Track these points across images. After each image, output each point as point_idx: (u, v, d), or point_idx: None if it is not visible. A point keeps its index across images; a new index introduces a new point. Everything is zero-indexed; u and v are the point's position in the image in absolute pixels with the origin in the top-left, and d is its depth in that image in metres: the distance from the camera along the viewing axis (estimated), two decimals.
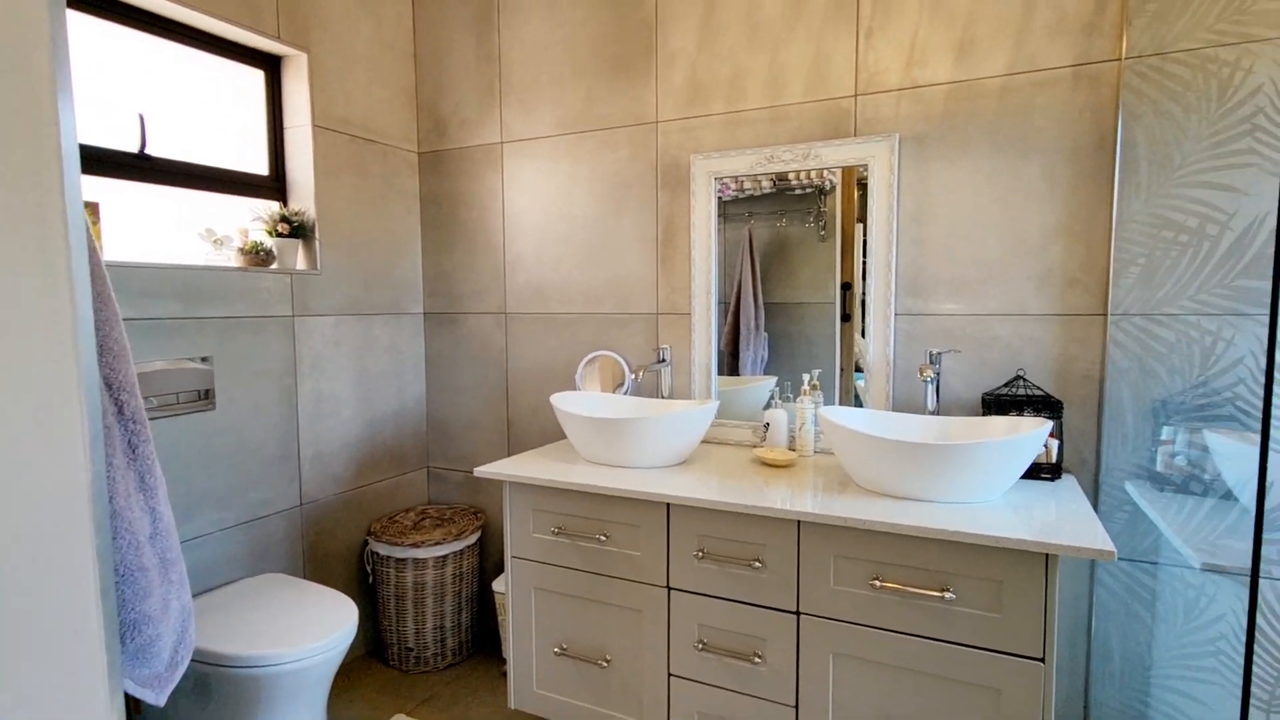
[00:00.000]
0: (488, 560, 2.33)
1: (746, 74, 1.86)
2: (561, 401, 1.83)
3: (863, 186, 1.73)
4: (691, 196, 1.92)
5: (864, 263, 1.74)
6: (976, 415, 1.65)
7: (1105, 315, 1.54)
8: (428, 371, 2.44)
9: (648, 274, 2.03)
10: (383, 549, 2.11)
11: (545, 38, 2.13)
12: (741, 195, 1.88)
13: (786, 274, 1.86)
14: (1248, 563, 1.44)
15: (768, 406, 1.85)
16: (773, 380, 1.90)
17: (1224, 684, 1.50)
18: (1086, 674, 1.62)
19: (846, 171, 1.76)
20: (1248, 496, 1.45)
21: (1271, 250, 1.40)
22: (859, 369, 1.79)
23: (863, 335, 1.77)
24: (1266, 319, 1.41)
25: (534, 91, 2.16)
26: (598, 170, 2.08)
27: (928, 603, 1.25)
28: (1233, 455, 1.46)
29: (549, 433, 2.23)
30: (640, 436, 1.62)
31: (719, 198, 1.91)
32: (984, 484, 1.33)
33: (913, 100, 1.68)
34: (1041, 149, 1.57)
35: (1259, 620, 1.46)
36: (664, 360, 1.97)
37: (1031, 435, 1.29)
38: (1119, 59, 1.49)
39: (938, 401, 1.63)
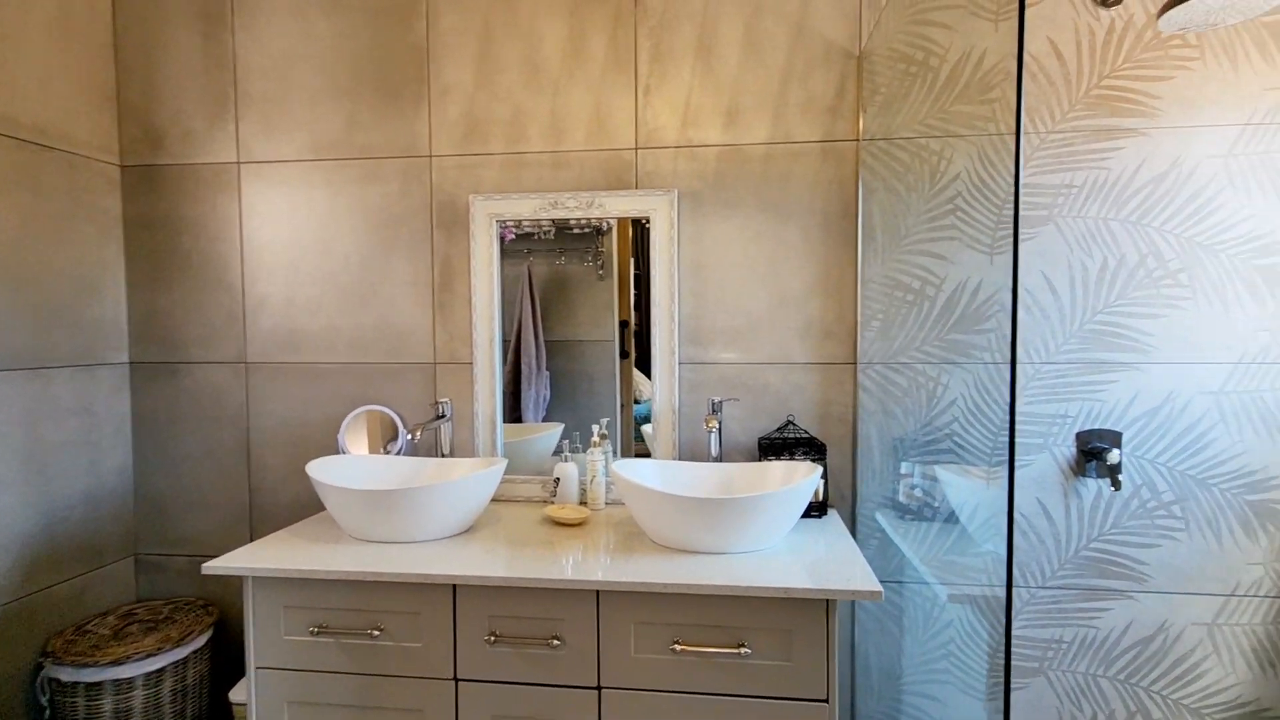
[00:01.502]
0: (223, 664, 1.92)
1: (528, 116, 1.80)
2: (321, 471, 1.57)
3: (638, 226, 1.76)
4: (471, 239, 1.79)
5: (648, 312, 1.76)
6: (754, 459, 1.75)
7: (855, 364, 1.73)
8: (136, 436, 1.96)
9: (423, 320, 1.85)
10: (66, 673, 1.62)
11: (295, 49, 1.86)
12: (521, 232, 1.81)
13: (567, 312, 1.82)
14: (967, 575, 1.69)
15: (557, 453, 1.78)
16: (559, 428, 1.83)
17: (955, 681, 1.73)
18: (853, 691, 1.77)
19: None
20: (965, 518, 1.71)
21: (972, 311, 1.67)
22: (642, 420, 1.80)
23: (648, 377, 1.79)
24: (972, 365, 1.68)
25: (281, 107, 1.88)
26: (363, 203, 1.86)
27: (726, 659, 1.26)
28: (954, 484, 1.71)
29: (305, 504, 1.91)
30: (420, 508, 1.44)
31: (501, 240, 1.81)
32: (769, 532, 1.38)
33: (689, 158, 1.75)
34: (800, 213, 1.73)
35: (974, 625, 1.71)
36: (444, 415, 1.80)
37: (807, 482, 1.38)
38: (857, 139, 1.70)
39: (720, 448, 1.69)
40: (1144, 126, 1.61)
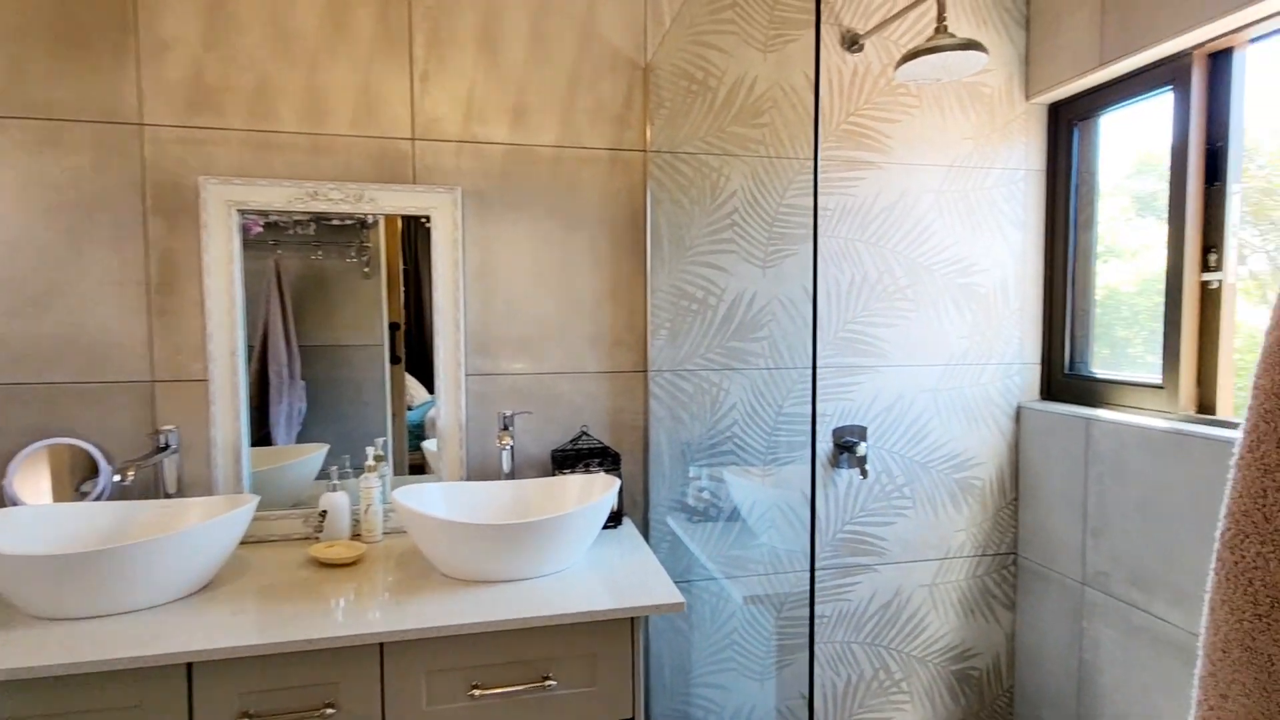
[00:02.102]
0: None
1: (277, 90, 1.53)
2: None
3: (410, 221, 1.60)
4: (204, 230, 1.47)
5: (420, 313, 1.61)
6: (548, 472, 1.68)
7: (645, 371, 1.75)
8: None
9: (135, 329, 1.49)
10: None
11: None
12: (266, 222, 1.54)
13: (326, 313, 1.59)
14: (747, 568, 1.80)
15: (322, 478, 1.55)
16: (322, 450, 1.60)
17: (738, 668, 1.85)
18: (647, 693, 1.80)
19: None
20: (745, 514, 1.82)
21: (749, 319, 1.79)
22: (420, 436, 1.64)
23: (422, 383, 1.63)
24: (750, 371, 1.80)
25: None
26: (37, 177, 1.43)
27: (530, 696, 1.18)
28: (735, 484, 1.81)
29: None
30: (134, 569, 1.14)
31: (244, 231, 1.52)
32: (569, 553, 1.33)
33: (474, 155, 1.63)
34: (589, 220, 1.70)
35: (755, 614, 1.83)
36: (167, 447, 1.46)
37: (605, 498, 1.35)
38: (644, 150, 1.71)
39: (513, 463, 1.60)
40: (880, 160, 1.85)
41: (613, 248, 1.71)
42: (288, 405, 1.59)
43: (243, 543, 1.50)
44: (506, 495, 1.52)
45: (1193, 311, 1.59)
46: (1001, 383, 1.97)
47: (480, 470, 1.66)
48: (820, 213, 1.82)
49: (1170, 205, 1.62)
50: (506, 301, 1.66)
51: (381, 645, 1.12)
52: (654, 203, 1.71)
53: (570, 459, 1.64)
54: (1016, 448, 1.99)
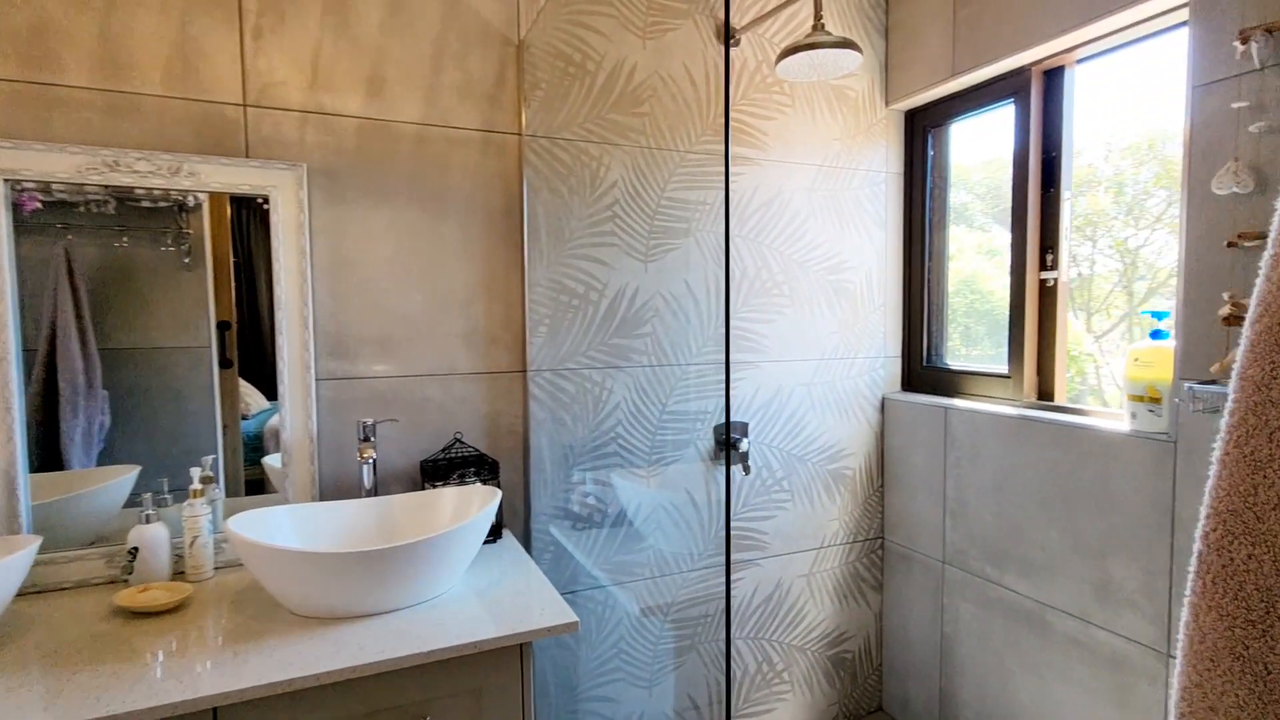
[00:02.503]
0: None
1: (61, 33, 1.24)
2: None
3: (242, 205, 1.37)
4: None
5: (256, 311, 1.39)
6: (417, 485, 1.52)
7: (524, 371, 1.63)
8: None
9: None
10: None
11: None
12: (51, 200, 1.25)
13: (136, 311, 1.33)
14: (634, 572, 1.74)
15: (132, 506, 1.29)
16: (133, 473, 1.33)
17: (626, 678, 1.78)
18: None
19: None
20: (631, 516, 1.76)
21: (631, 315, 1.72)
22: (259, 450, 1.42)
23: (258, 388, 1.41)
24: (633, 370, 1.74)
25: None
26: None
27: None
28: (620, 486, 1.74)
29: None
30: None
31: (16, 208, 1.22)
32: (446, 576, 1.19)
33: (322, 128, 1.42)
34: (460, 207, 1.55)
35: (641, 620, 1.77)
36: None
37: (484, 513, 1.22)
38: (520, 134, 1.59)
39: (375, 478, 1.42)
40: (757, 157, 1.86)
41: (487, 238, 1.58)
42: (85, 421, 1.31)
43: (22, 594, 1.21)
44: (370, 515, 1.34)
45: (1033, 307, 1.74)
46: (868, 375, 2.06)
47: (336, 488, 1.46)
48: (700, 207, 1.79)
49: (1013, 210, 1.76)
50: (365, 296, 1.48)
51: (215, 710, 0.93)
52: (531, 191, 1.60)
53: (442, 469, 1.49)
54: (882, 437, 2.08)
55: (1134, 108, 1.59)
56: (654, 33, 1.71)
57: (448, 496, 1.36)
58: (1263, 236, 1.18)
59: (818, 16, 1.50)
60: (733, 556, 1.89)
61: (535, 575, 1.30)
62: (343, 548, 1.25)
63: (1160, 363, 1.37)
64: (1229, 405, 0.38)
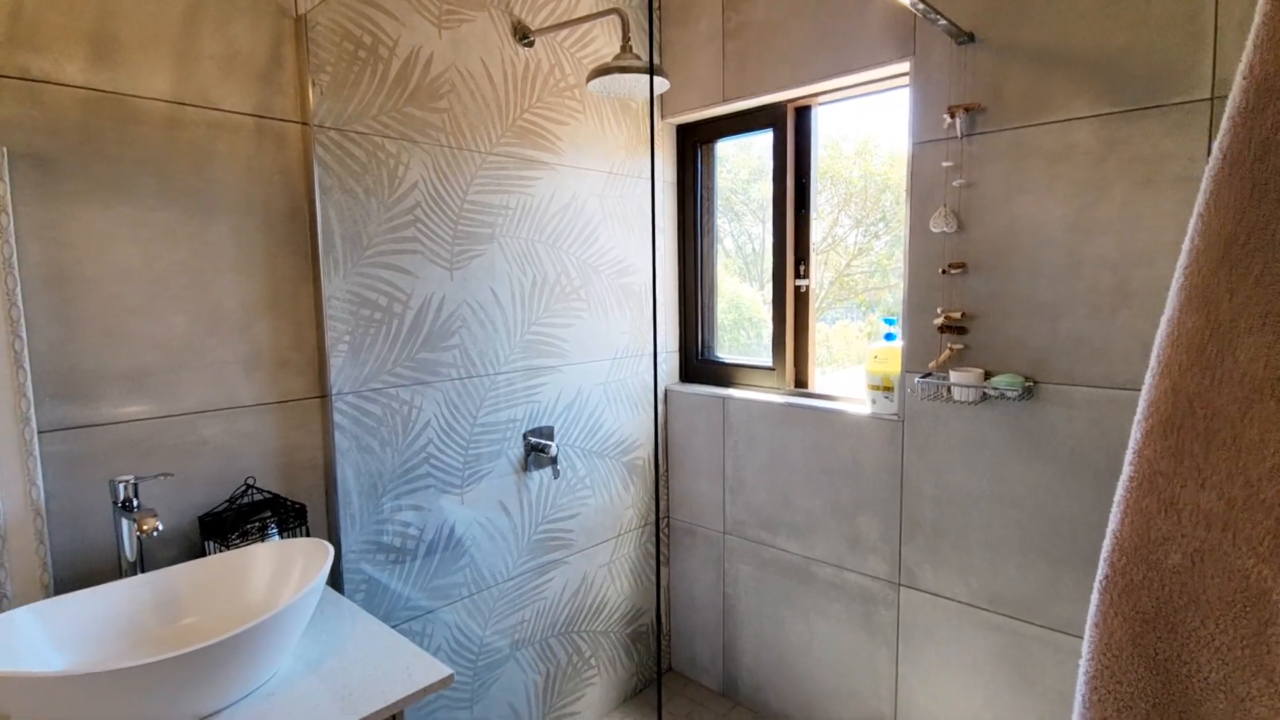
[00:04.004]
0: None
1: None
2: None
3: None
4: None
5: None
6: (197, 550, 1.25)
7: (324, 396, 1.43)
8: None
9: None
10: None
11: None
12: None
13: None
14: (452, 594, 1.67)
15: None
16: None
17: (449, 703, 1.71)
18: None
19: None
20: (446, 538, 1.67)
21: (439, 327, 1.61)
22: None
23: None
24: (443, 384, 1.63)
25: None
26: None
27: None
28: (434, 508, 1.64)
29: None
30: None
31: None
32: (276, 661, 1.02)
33: (27, 99, 1.06)
34: (232, 207, 1.29)
35: (461, 632, 1.71)
36: None
37: (318, 579, 1.06)
38: (304, 122, 1.37)
39: (139, 547, 1.14)
40: (553, 161, 1.85)
41: (268, 245, 1.34)
42: None
43: None
44: (146, 597, 1.08)
45: (790, 309, 2.04)
46: (653, 370, 2.22)
47: (79, 568, 1.14)
48: (503, 211, 1.73)
49: (774, 225, 2.04)
50: (106, 319, 1.15)
51: None
52: (322, 190, 1.39)
53: (228, 523, 1.25)
54: (666, 425, 2.27)
55: (871, 148, 1.95)
56: (450, 22, 1.59)
57: (260, 557, 1.15)
58: (964, 266, 1.57)
59: (625, 39, 1.55)
60: (543, 557, 1.92)
61: (376, 628, 1.18)
62: (127, 656, 1.00)
63: (892, 359, 1.73)
64: (1129, 454, 0.53)
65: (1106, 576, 0.53)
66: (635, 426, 2.17)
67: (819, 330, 2.10)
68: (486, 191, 1.69)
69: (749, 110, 2.04)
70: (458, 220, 1.64)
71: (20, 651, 0.92)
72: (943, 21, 1.42)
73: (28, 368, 1.06)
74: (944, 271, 1.58)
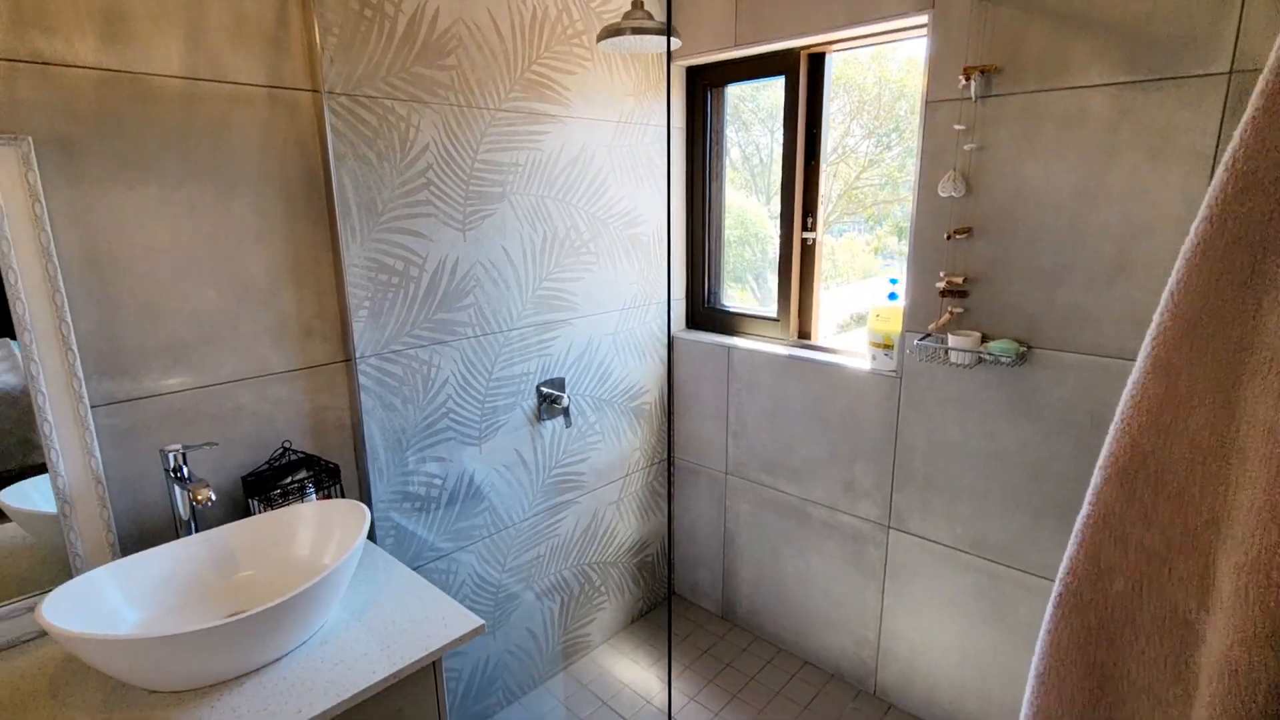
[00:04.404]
0: None
1: None
2: None
3: None
4: None
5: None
6: (241, 508, 1.36)
7: (349, 360, 1.50)
8: None
9: None
10: None
11: None
12: None
13: None
14: (473, 535, 1.79)
15: None
16: None
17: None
18: None
19: None
20: (466, 486, 1.79)
21: (454, 288, 1.66)
22: None
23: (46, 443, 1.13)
24: (459, 343, 1.70)
25: None
26: None
27: None
28: (457, 460, 1.74)
29: None
30: None
31: None
32: (324, 615, 1.13)
33: (44, 83, 1.07)
34: (250, 179, 1.31)
35: (479, 573, 1.85)
36: None
37: (358, 543, 1.16)
38: (316, 89, 1.37)
39: (193, 511, 1.24)
40: (561, 114, 1.84)
41: (287, 215, 1.37)
42: None
43: None
44: (203, 556, 1.19)
45: (797, 262, 2.07)
46: (660, 319, 2.27)
47: (139, 530, 1.25)
48: (513, 169, 1.74)
49: (783, 176, 2.03)
50: (141, 297, 1.21)
51: None
52: (336, 158, 1.41)
53: (268, 481, 1.35)
54: (672, 371, 2.35)
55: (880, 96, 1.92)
56: None
57: (304, 516, 1.26)
58: (969, 231, 1.59)
59: None
60: (556, 499, 2.05)
61: (411, 579, 1.30)
62: (193, 609, 1.11)
63: (893, 319, 1.78)
64: (1087, 501, 0.60)
65: (1060, 594, 0.61)
66: (643, 373, 2.24)
67: (827, 245, 2.11)
68: (497, 149, 1.69)
69: (762, 55, 1.99)
70: (469, 180, 1.65)
71: (101, 609, 1.03)
72: None
73: (75, 348, 1.13)
74: (949, 237, 1.61)
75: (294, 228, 1.38)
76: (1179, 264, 0.53)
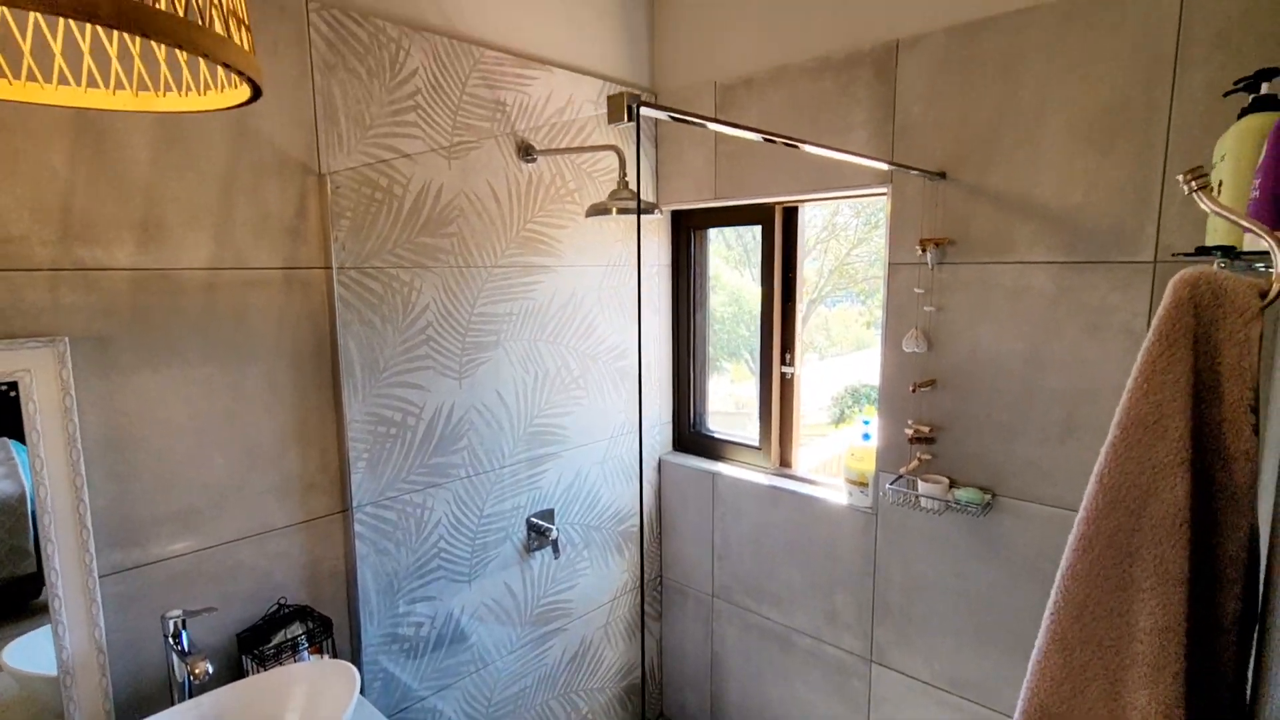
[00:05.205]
0: None
1: None
2: None
3: None
4: None
5: (35, 525, 1.16)
6: (235, 664, 1.40)
7: (345, 511, 1.57)
8: None
9: None
10: None
11: None
12: None
13: None
14: (460, 672, 1.81)
15: None
16: None
17: None
18: None
19: None
20: (453, 624, 1.82)
21: (449, 432, 1.75)
22: None
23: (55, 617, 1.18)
24: (452, 484, 1.77)
25: None
26: None
27: None
28: (446, 597, 1.79)
29: None
30: None
31: None
32: None
33: (83, 287, 1.19)
34: (264, 353, 1.42)
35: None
36: None
37: (349, 713, 1.22)
38: (327, 267, 1.49)
39: (187, 673, 1.29)
40: (553, 264, 1.98)
41: (294, 383, 1.47)
42: None
43: None
44: None
45: (777, 394, 2.18)
46: (648, 443, 2.36)
47: (135, 693, 1.29)
48: (507, 319, 1.86)
49: (762, 315, 2.17)
50: (155, 471, 1.29)
51: None
52: (343, 325, 1.52)
53: (261, 636, 1.40)
54: (659, 492, 2.42)
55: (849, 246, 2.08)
56: (459, 152, 1.71)
57: (295, 678, 1.31)
58: (933, 383, 1.70)
59: (622, 175, 1.67)
60: (543, 628, 2.08)
61: None
62: None
63: (867, 459, 1.88)
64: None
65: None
66: (630, 497, 2.31)
67: (820, 315, 2.20)
68: (492, 302, 1.82)
69: (740, 206, 2.16)
70: (466, 333, 1.77)
71: None
72: (914, 172, 1.55)
73: (89, 526, 1.20)
74: (914, 389, 1.72)
75: (303, 395, 1.48)
76: (1066, 553, 0.62)
